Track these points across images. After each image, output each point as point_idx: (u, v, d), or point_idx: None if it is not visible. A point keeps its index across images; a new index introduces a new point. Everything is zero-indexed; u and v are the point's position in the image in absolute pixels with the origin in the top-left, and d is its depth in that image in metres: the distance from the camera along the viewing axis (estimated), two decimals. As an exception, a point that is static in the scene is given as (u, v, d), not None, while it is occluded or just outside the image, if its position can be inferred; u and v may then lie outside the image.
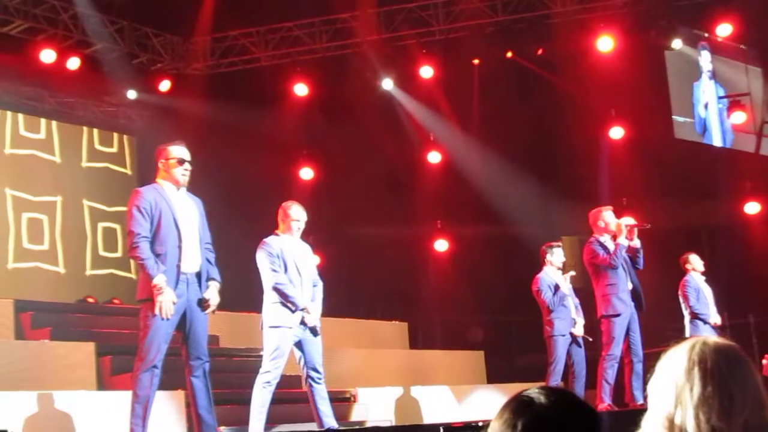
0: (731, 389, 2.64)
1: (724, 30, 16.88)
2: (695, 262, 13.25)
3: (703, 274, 13.23)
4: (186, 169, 8.11)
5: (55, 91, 17.57)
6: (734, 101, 17.56)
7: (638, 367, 11.11)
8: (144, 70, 17.78)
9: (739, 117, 17.38)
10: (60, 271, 17.44)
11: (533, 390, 2.41)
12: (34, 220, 17.25)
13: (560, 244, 12.26)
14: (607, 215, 11.44)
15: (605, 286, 11.22)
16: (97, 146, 18.52)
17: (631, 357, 11.18)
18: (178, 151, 8.14)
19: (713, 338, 2.81)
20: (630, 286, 11.24)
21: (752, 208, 17.65)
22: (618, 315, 11.06)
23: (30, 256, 17.09)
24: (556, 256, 11.90)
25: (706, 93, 18.93)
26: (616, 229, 11.22)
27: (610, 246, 11.20)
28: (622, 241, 11.10)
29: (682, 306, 13.01)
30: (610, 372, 11.03)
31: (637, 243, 11.29)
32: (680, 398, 2.66)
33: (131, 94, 17.54)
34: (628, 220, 11.74)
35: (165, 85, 17.64)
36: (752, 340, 15.41)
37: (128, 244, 7.92)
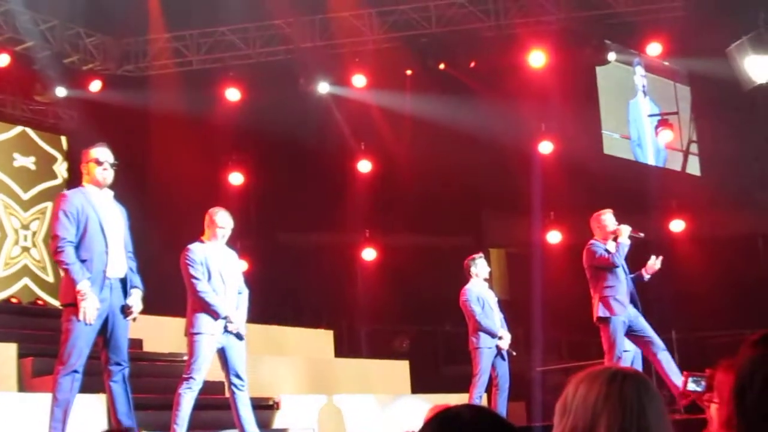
0: (647, 421, 2.73)
1: (654, 49, 17.09)
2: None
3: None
4: (105, 169, 8.03)
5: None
6: (663, 119, 17.79)
7: (663, 355, 10.93)
8: (75, 70, 17.57)
9: (666, 135, 17.60)
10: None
11: (458, 406, 2.45)
12: None
13: (482, 255, 12.24)
14: (608, 218, 11.29)
15: (603, 288, 11.05)
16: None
17: (653, 351, 10.98)
18: (97, 152, 8.08)
19: (629, 370, 2.90)
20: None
21: (677, 225, 17.86)
22: (614, 316, 10.86)
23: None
24: (480, 267, 11.91)
25: (643, 110, 19.16)
26: (618, 231, 11.09)
27: (612, 249, 11.06)
28: (624, 240, 11.01)
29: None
30: None
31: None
32: (595, 425, 2.73)
33: (60, 92, 17.30)
34: (626, 228, 11.43)
35: (96, 86, 17.42)
36: (674, 356, 15.58)
37: (52, 248, 7.83)
